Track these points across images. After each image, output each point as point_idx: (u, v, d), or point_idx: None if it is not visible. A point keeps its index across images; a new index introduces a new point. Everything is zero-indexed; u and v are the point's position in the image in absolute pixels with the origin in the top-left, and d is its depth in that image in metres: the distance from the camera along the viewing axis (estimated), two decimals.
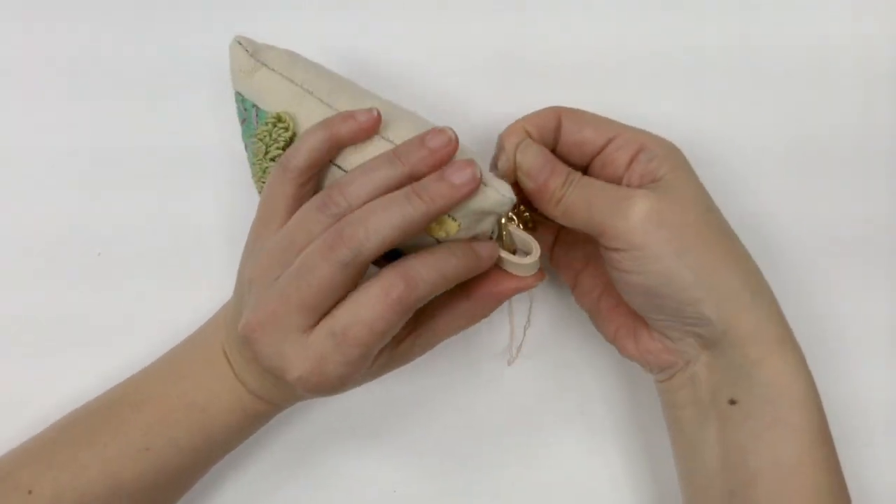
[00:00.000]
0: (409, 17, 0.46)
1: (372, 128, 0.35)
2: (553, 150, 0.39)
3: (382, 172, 0.34)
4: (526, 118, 0.39)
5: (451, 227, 0.35)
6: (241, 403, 0.39)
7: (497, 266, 0.37)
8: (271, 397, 0.39)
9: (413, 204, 0.33)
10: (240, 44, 0.39)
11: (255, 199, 0.45)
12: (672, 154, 0.38)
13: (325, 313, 0.33)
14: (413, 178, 0.34)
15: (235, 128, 0.43)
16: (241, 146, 0.42)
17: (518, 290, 0.38)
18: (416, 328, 0.37)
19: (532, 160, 0.37)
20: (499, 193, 0.35)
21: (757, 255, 0.42)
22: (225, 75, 0.44)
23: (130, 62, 0.46)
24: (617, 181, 0.38)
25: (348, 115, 0.35)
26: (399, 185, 0.34)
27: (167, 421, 0.38)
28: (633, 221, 0.35)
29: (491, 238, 0.37)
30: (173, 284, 0.45)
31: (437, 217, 0.34)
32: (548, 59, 0.46)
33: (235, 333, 0.37)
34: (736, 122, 0.46)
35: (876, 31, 0.46)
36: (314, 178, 0.36)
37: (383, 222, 0.33)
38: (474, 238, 0.36)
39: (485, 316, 0.38)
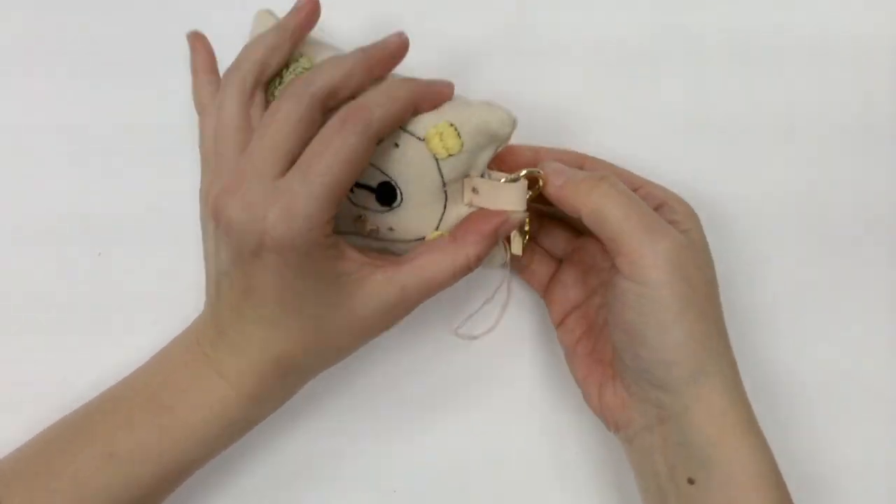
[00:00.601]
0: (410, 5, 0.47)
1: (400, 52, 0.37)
2: None
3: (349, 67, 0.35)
4: (549, 151, 0.39)
5: (453, 144, 0.35)
6: (213, 400, 0.36)
7: (482, 209, 0.37)
8: (246, 381, 0.36)
9: (359, 54, 0.35)
10: (268, 11, 0.40)
11: None
12: (692, 216, 0.38)
13: (294, 158, 0.33)
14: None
15: None
16: None
17: (503, 225, 0.37)
18: (399, 263, 0.36)
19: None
20: (504, 111, 0.34)
21: (750, 242, 0.44)
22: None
23: (136, 52, 0.47)
24: None
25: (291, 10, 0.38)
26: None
27: (132, 423, 0.36)
28: (660, 257, 0.34)
29: (481, 176, 0.37)
30: (172, 276, 0.45)
31: (386, 66, 0.36)
32: (548, 46, 0.46)
33: (209, 317, 0.37)
34: (735, 110, 0.46)
35: (875, 26, 0.47)
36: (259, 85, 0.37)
37: (329, 65, 0.34)
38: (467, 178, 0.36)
39: (471, 261, 0.36)
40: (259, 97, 0.36)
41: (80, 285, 0.45)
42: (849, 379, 0.44)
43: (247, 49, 0.36)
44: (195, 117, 0.42)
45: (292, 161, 0.33)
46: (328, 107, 0.35)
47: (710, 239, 0.39)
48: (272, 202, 0.32)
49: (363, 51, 0.36)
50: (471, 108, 0.35)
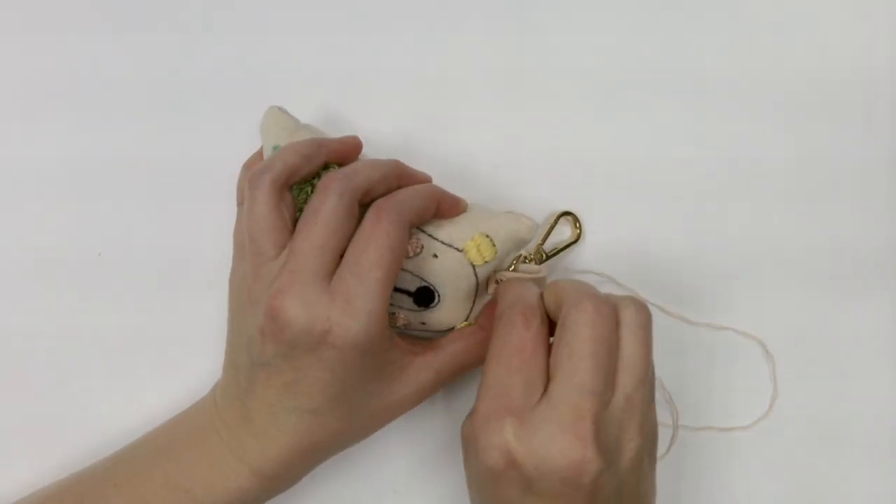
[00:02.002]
0: (412, 34, 0.47)
1: (355, 151, 0.38)
2: None
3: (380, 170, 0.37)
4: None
5: (489, 252, 0.38)
6: (233, 486, 0.36)
7: None
8: (271, 467, 0.36)
9: (394, 162, 0.37)
10: (280, 108, 0.42)
11: None
12: None
13: (340, 257, 0.34)
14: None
15: (236, 138, 0.44)
16: (243, 148, 0.43)
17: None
18: (434, 349, 0.38)
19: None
20: (528, 220, 0.39)
21: (755, 264, 0.44)
22: (226, 88, 0.46)
23: (129, 74, 0.47)
24: None
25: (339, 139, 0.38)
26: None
27: (147, 502, 0.36)
28: None
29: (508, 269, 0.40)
30: (174, 296, 0.45)
31: (413, 181, 0.38)
32: (549, 75, 0.46)
33: (231, 403, 0.36)
34: (736, 134, 0.46)
35: (875, 38, 0.47)
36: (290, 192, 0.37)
37: (367, 165, 0.36)
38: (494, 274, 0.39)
39: None
40: (289, 197, 0.36)
41: (79, 307, 0.45)
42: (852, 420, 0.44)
43: (283, 152, 0.36)
44: (197, 149, 0.44)
45: (339, 256, 0.34)
46: (363, 203, 0.36)
47: (714, 272, 0.43)
48: (331, 302, 0.33)
49: (398, 162, 0.38)
50: (499, 219, 0.39)
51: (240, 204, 0.40)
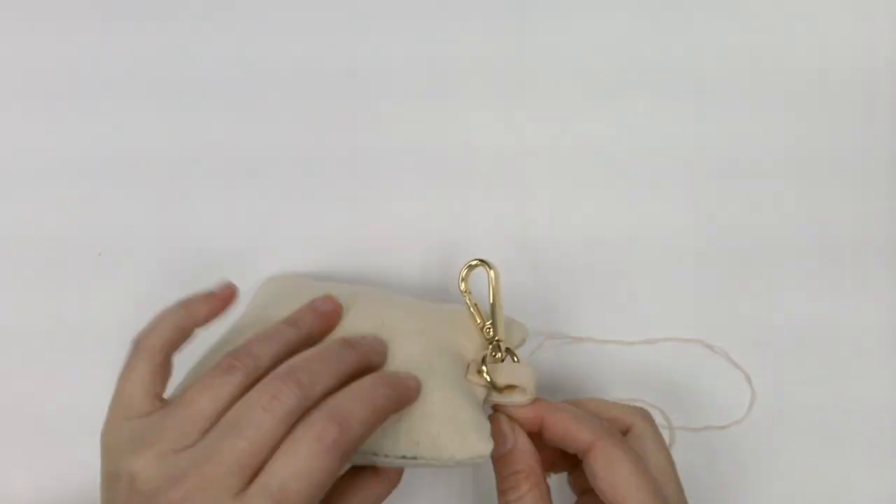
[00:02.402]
0: (411, 31, 0.47)
1: (226, 303, 0.35)
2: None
3: (285, 335, 0.33)
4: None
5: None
6: None
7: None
8: None
9: (348, 353, 0.32)
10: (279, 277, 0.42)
11: (256, 201, 0.45)
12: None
13: (258, 470, 0.29)
14: (311, 339, 0.34)
15: (235, 131, 0.44)
16: (243, 145, 0.44)
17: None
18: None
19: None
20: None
21: (760, 261, 0.44)
22: (227, 79, 0.45)
23: (132, 62, 0.47)
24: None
25: (207, 294, 0.35)
26: (299, 348, 0.33)
27: None
28: None
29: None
30: (173, 286, 0.45)
31: (367, 367, 0.33)
32: (548, 74, 0.47)
33: None
34: (737, 131, 0.46)
35: (876, 36, 0.47)
36: (169, 359, 0.33)
37: (324, 367, 0.31)
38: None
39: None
40: (166, 369, 0.33)
41: (77, 299, 0.45)
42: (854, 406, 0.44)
43: (161, 322, 0.34)
44: (196, 141, 0.44)
45: (256, 470, 0.29)
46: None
47: (717, 263, 0.43)
48: None
49: (359, 355, 0.33)
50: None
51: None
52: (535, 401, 0.35)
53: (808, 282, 0.45)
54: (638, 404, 0.37)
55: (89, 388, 0.44)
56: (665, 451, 0.35)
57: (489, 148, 0.46)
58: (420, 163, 0.45)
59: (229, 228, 0.45)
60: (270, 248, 0.45)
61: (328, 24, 0.47)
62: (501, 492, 0.34)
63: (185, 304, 0.35)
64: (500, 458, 0.34)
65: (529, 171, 0.46)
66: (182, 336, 0.34)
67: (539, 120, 0.46)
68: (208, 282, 0.44)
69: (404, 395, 0.33)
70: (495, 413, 0.36)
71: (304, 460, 0.28)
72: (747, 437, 0.43)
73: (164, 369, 0.33)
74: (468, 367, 0.36)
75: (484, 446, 0.32)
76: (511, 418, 0.35)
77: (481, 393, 0.35)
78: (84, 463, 0.43)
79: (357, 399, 0.31)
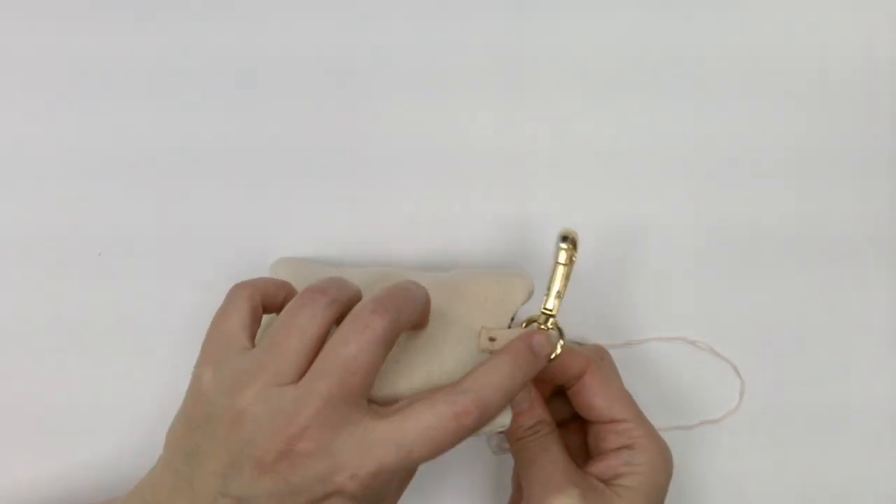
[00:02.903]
0: (406, 22, 0.47)
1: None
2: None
3: (349, 284, 0.34)
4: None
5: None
6: None
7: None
8: None
9: (419, 290, 0.34)
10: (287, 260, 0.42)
11: (256, 200, 0.45)
12: (652, 474, 0.36)
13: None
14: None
15: (235, 129, 0.44)
16: (243, 144, 0.43)
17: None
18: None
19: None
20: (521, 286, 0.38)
21: (758, 256, 0.44)
22: (227, 77, 0.45)
23: (131, 61, 0.46)
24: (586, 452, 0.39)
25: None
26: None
27: None
28: None
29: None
30: (173, 285, 0.45)
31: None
32: (548, 73, 0.46)
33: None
34: (737, 124, 0.46)
35: (876, 35, 0.47)
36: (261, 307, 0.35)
37: (406, 299, 0.32)
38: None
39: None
40: (260, 314, 0.34)
41: (78, 296, 0.45)
42: (852, 402, 0.44)
43: (256, 279, 0.35)
44: (197, 137, 0.43)
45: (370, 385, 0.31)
46: None
47: (717, 258, 0.43)
48: (366, 459, 0.30)
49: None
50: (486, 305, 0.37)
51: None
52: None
53: (808, 280, 0.45)
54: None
55: (90, 387, 0.45)
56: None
57: (489, 146, 0.46)
58: (420, 161, 0.45)
59: (229, 228, 0.45)
60: (270, 246, 0.45)
61: (329, 22, 0.46)
62: (519, 439, 0.37)
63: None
64: (520, 413, 0.37)
65: (529, 170, 0.46)
66: (278, 292, 0.35)
67: (539, 119, 0.46)
68: (208, 280, 0.44)
69: (533, 374, 0.35)
70: None
71: (437, 433, 0.30)
72: (742, 431, 0.44)
73: (259, 313, 0.34)
74: (479, 336, 0.36)
75: (505, 417, 0.34)
76: None
77: None
78: (85, 463, 0.44)
79: (498, 387, 0.32)
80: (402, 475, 0.35)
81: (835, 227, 0.45)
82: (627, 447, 0.36)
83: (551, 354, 0.36)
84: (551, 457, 0.36)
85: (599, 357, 0.38)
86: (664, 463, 0.37)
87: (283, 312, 0.33)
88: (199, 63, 0.46)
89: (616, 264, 0.45)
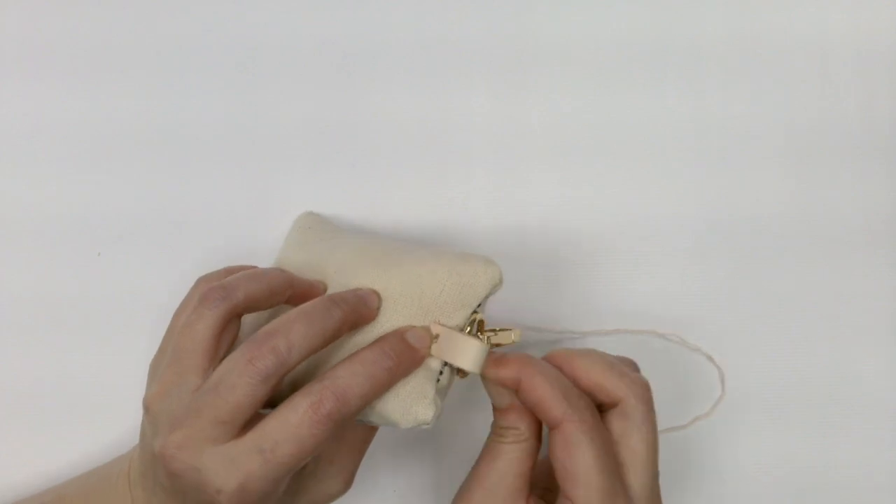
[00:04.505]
0: (408, 6, 0.47)
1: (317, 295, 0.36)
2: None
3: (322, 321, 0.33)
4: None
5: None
6: None
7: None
8: None
9: (333, 313, 0.33)
10: (312, 214, 0.43)
11: (255, 193, 0.45)
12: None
13: (245, 426, 0.31)
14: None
15: (238, 118, 0.45)
16: (243, 138, 0.44)
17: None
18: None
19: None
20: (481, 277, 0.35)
21: (756, 246, 0.44)
22: (227, 64, 0.45)
23: (133, 52, 0.47)
24: None
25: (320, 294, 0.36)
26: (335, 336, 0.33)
27: None
28: None
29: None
30: (171, 280, 0.45)
31: (351, 329, 0.34)
32: (548, 52, 0.46)
33: (141, 464, 0.35)
34: (736, 113, 0.46)
35: (877, 22, 0.47)
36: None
37: (305, 329, 0.32)
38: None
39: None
40: (234, 328, 0.34)
41: (77, 285, 0.45)
42: (850, 383, 0.44)
43: (250, 281, 0.34)
44: (198, 127, 0.43)
45: (242, 426, 0.31)
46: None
47: (716, 247, 0.43)
48: (227, 473, 0.30)
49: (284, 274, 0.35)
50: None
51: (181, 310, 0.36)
52: (520, 357, 0.34)
53: (807, 270, 0.45)
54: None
55: (82, 371, 0.45)
56: (650, 435, 0.33)
57: (488, 132, 0.46)
58: (419, 146, 0.45)
59: (227, 211, 0.46)
60: (269, 235, 0.45)
61: (329, 5, 0.47)
62: (490, 434, 0.35)
63: (287, 277, 0.35)
64: (495, 408, 0.35)
65: (528, 158, 0.46)
66: (269, 300, 0.35)
67: (537, 107, 0.46)
68: (207, 265, 0.43)
69: (409, 364, 0.34)
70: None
71: (296, 427, 0.30)
72: (733, 420, 0.44)
73: (229, 327, 0.34)
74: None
75: (424, 414, 0.34)
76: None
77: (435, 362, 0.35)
78: (89, 462, 0.44)
79: (358, 373, 0.32)
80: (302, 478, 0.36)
81: (833, 215, 0.45)
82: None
83: (429, 347, 0.34)
84: (504, 469, 0.34)
85: (577, 411, 0.32)
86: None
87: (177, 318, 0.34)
88: (204, 54, 0.47)
89: (609, 255, 0.45)
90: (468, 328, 0.35)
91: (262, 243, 0.45)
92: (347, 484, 0.38)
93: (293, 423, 0.31)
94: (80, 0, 0.47)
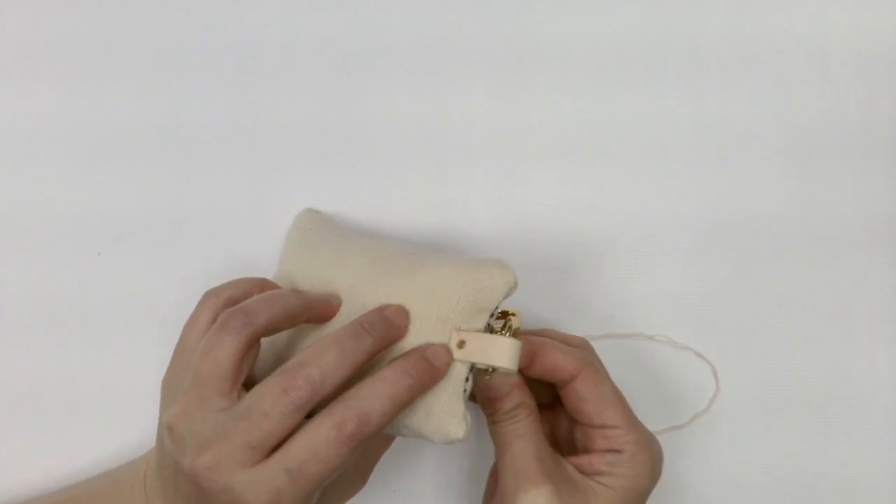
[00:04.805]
0: (408, 5, 0.47)
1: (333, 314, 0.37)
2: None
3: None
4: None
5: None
6: None
7: None
8: None
9: (364, 340, 0.33)
10: (313, 210, 0.43)
11: (255, 193, 0.45)
12: (635, 479, 0.36)
13: (273, 449, 0.32)
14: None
15: (238, 118, 0.44)
16: (243, 138, 0.44)
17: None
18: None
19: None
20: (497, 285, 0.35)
21: (756, 246, 0.44)
22: (227, 64, 0.45)
23: (133, 52, 0.47)
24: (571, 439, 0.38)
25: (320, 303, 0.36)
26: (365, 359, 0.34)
27: None
28: None
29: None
30: (171, 280, 0.45)
31: (381, 351, 0.34)
32: (548, 52, 0.46)
33: (160, 475, 0.35)
34: (736, 113, 0.46)
35: (877, 21, 0.46)
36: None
37: (338, 360, 0.32)
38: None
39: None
40: (255, 350, 0.34)
41: (77, 286, 0.45)
42: (850, 383, 0.44)
43: (270, 304, 0.34)
44: (199, 128, 0.43)
45: (273, 449, 0.32)
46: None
47: (716, 247, 0.43)
48: (257, 494, 0.31)
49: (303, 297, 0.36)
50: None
51: (192, 326, 0.36)
52: (522, 337, 0.36)
53: (807, 270, 0.45)
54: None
55: (84, 371, 0.45)
56: (613, 383, 0.38)
57: (489, 133, 0.46)
58: (419, 146, 0.46)
59: (229, 213, 0.45)
60: (270, 235, 0.45)
61: (329, 5, 0.47)
62: (497, 422, 0.37)
63: (305, 299, 0.36)
64: (498, 398, 0.36)
65: (528, 158, 0.46)
66: (288, 323, 0.35)
67: (537, 107, 0.46)
68: (208, 266, 0.44)
69: (430, 378, 0.34)
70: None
71: (320, 447, 0.31)
72: (731, 418, 0.44)
73: (251, 350, 0.35)
74: (450, 339, 0.35)
75: (456, 433, 0.34)
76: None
77: (461, 368, 0.35)
78: (90, 463, 0.44)
79: (380, 393, 0.32)
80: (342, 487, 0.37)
81: (833, 216, 0.45)
82: (615, 451, 0.36)
83: (449, 363, 0.34)
84: (527, 445, 0.36)
85: (588, 361, 0.37)
86: (651, 470, 0.36)
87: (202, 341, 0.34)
88: (203, 54, 0.46)
89: (609, 255, 0.45)
90: (489, 331, 0.35)
91: (262, 243, 0.45)
92: (364, 482, 0.39)
93: (317, 444, 0.31)
94: (80, 0, 0.47)
